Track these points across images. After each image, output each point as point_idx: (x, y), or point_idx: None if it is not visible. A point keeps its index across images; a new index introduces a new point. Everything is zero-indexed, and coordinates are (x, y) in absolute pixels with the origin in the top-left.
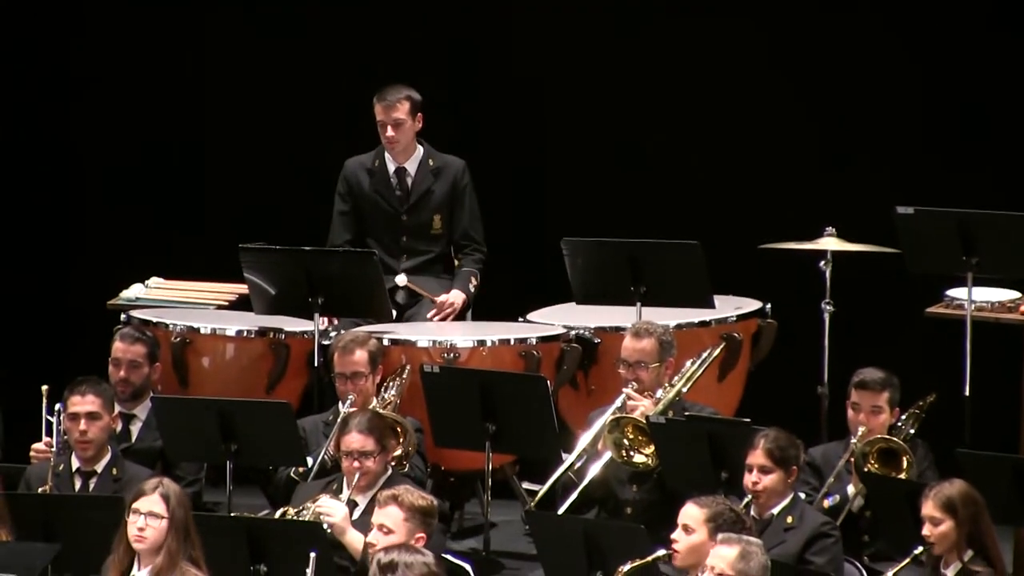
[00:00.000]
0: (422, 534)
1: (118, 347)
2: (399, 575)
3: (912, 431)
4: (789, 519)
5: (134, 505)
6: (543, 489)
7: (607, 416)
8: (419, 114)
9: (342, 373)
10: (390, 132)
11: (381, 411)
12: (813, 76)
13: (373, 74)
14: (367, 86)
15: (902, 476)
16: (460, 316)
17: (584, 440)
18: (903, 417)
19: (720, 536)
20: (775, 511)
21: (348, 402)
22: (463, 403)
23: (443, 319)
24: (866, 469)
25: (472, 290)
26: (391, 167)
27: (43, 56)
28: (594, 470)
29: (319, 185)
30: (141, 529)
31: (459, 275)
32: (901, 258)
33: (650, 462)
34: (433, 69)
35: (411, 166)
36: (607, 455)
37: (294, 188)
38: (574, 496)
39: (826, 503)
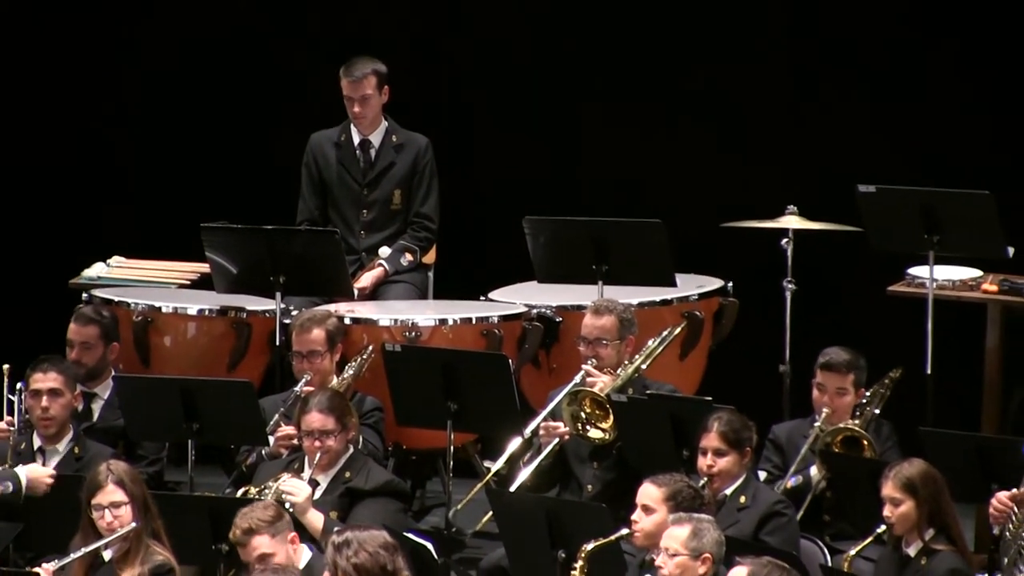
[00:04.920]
0: (291, 533)
1: (71, 328)
2: (353, 550)
3: (877, 411)
4: (742, 499)
5: (94, 501)
6: (497, 464)
7: (565, 390)
8: (385, 87)
9: (299, 352)
10: (357, 108)
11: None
12: (775, 53)
13: (332, 47)
14: (326, 59)
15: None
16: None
17: (541, 415)
18: (868, 394)
19: (671, 517)
20: (728, 492)
21: (303, 381)
22: (425, 382)
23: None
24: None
25: (405, 264)
26: (356, 139)
27: None
28: (545, 453)
29: (282, 162)
30: (110, 522)
31: (394, 248)
32: (863, 236)
33: (607, 436)
34: (392, 45)
35: (375, 139)
36: (555, 441)
37: (256, 166)
38: (526, 473)
39: (789, 484)
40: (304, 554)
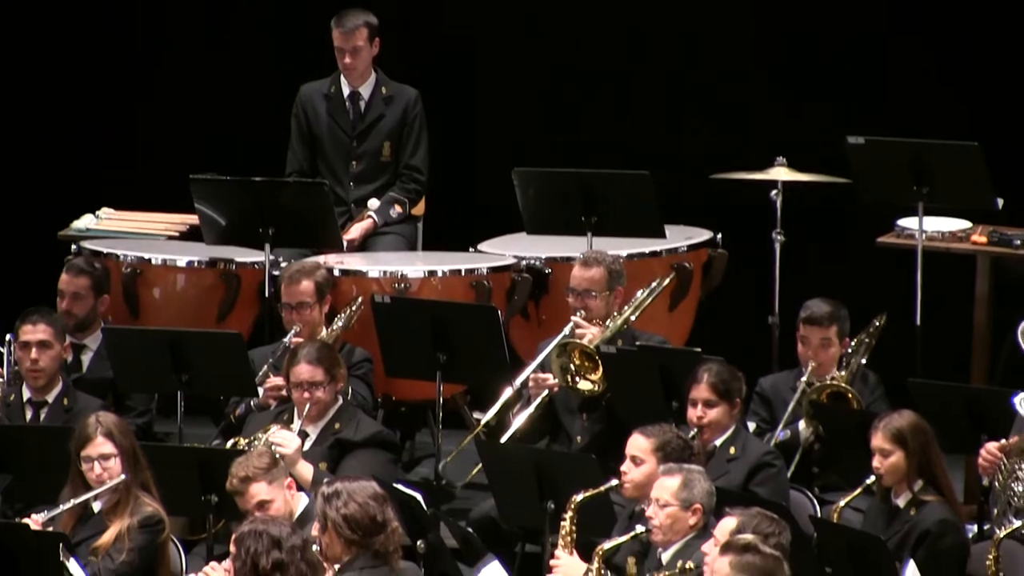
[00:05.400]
0: (287, 479)
1: (62, 279)
2: (343, 501)
3: (863, 361)
4: (732, 450)
5: (83, 453)
6: (486, 416)
7: (554, 342)
8: (376, 39)
9: (288, 303)
10: (348, 60)
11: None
12: (765, 3)
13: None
14: (314, 10)
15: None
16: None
17: (531, 367)
18: (853, 344)
19: (662, 468)
20: (718, 443)
21: (292, 332)
22: (414, 333)
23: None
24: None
25: (394, 216)
26: (346, 91)
27: None
28: (534, 405)
29: (271, 113)
30: (99, 474)
31: (383, 200)
32: (852, 188)
33: (596, 388)
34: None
35: (365, 91)
36: (544, 393)
37: (245, 117)
38: (516, 425)
39: (778, 438)
40: (301, 501)
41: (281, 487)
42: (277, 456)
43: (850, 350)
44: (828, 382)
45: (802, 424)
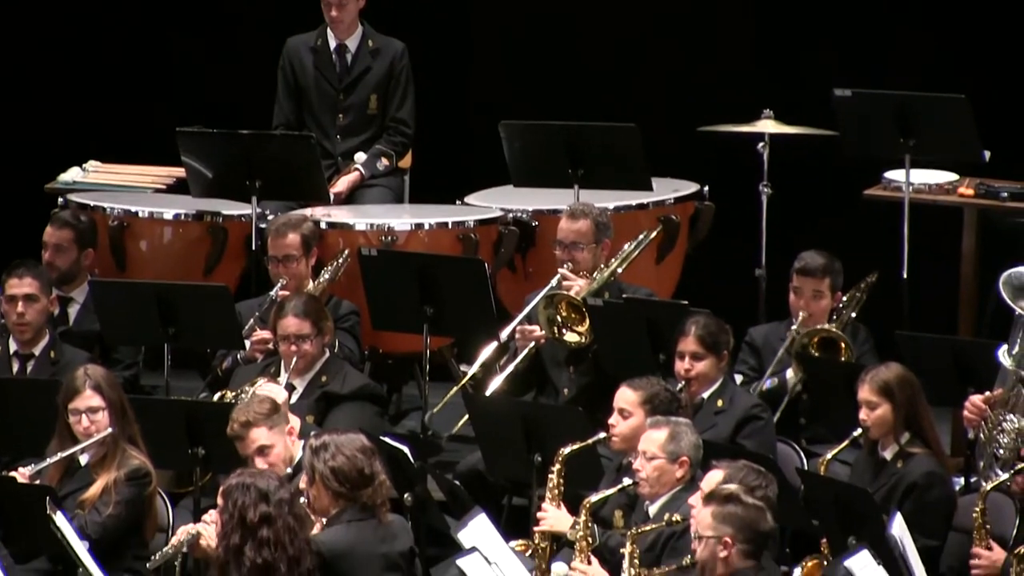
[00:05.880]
0: (288, 425)
1: (46, 231)
2: (330, 453)
3: (854, 315)
4: (719, 403)
5: (70, 406)
6: (473, 368)
7: (541, 294)
8: None
9: (274, 256)
10: (334, 12)
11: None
12: None
13: None
14: None
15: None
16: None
17: (517, 319)
18: (844, 300)
19: (649, 420)
20: (705, 395)
21: (279, 285)
22: (401, 286)
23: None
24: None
25: (381, 168)
26: (332, 44)
27: None
28: (521, 357)
29: (257, 66)
30: (87, 427)
31: (370, 153)
32: (839, 141)
33: (583, 340)
34: None
35: (352, 44)
36: (531, 345)
37: (232, 70)
38: (502, 377)
39: (765, 386)
40: (300, 448)
41: (282, 433)
42: (279, 402)
43: (841, 305)
44: (819, 327)
45: (790, 372)
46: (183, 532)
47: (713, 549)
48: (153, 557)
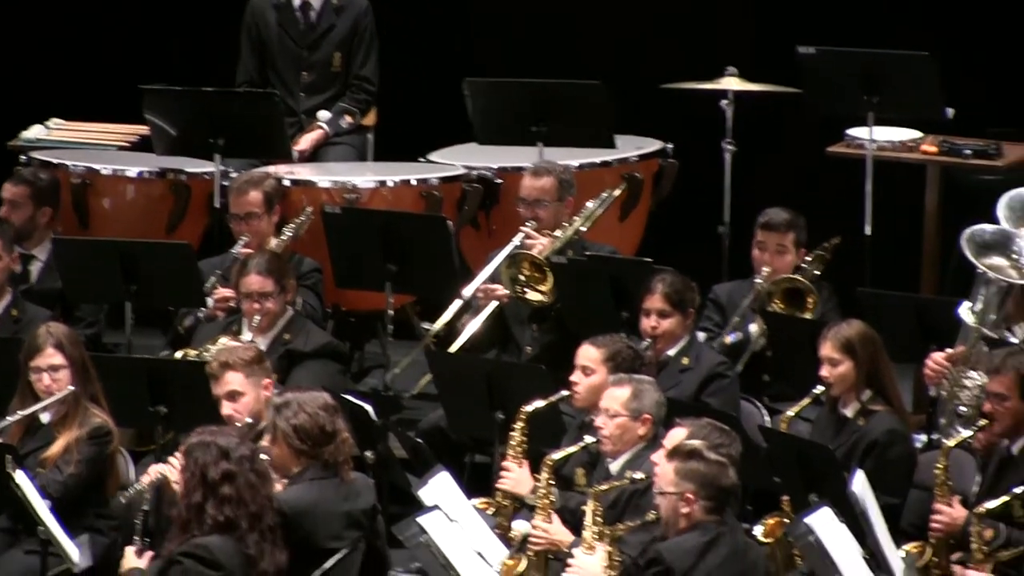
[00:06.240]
0: (266, 380)
1: (4, 186)
2: (293, 411)
3: (817, 273)
4: (685, 360)
5: (32, 364)
6: (436, 326)
7: (504, 252)
8: None
9: (236, 214)
10: None
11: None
12: None
13: None
14: None
15: (806, 316)
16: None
17: (480, 277)
18: (808, 258)
19: (611, 378)
20: (671, 353)
21: (242, 243)
22: (364, 244)
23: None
24: (770, 309)
25: (345, 126)
26: (297, 1)
27: None
28: (484, 315)
29: (222, 23)
30: (48, 385)
31: (333, 110)
32: (802, 98)
33: (546, 298)
34: None
35: (316, 1)
36: (494, 303)
37: (196, 27)
38: (465, 335)
39: (728, 340)
40: None
41: (257, 385)
42: (263, 356)
43: (805, 263)
44: (785, 276)
45: (754, 327)
46: (154, 471)
47: (675, 505)
48: (125, 492)
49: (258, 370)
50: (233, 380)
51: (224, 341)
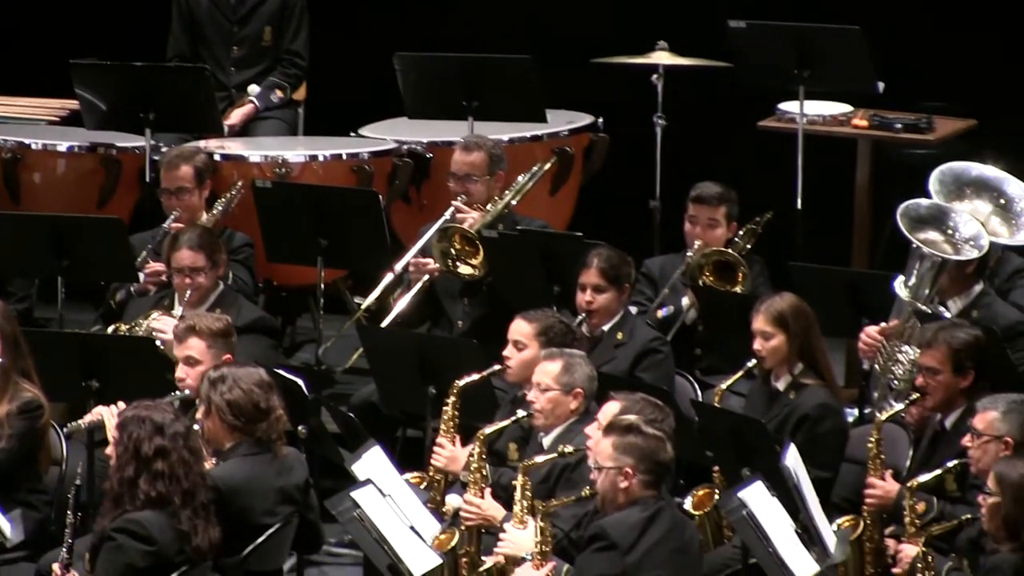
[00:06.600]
0: (227, 355)
1: None
2: (227, 386)
3: (749, 247)
4: (619, 335)
5: None
6: (368, 300)
7: (435, 226)
8: None
9: (167, 188)
10: None
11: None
12: None
13: None
14: None
15: (737, 290)
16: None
17: (412, 251)
18: (740, 232)
19: (543, 352)
20: (606, 328)
21: (172, 217)
22: (295, 218)
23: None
24: (701, 282)
25: (275, 100)
26: None
27: None
28: (415, 289)
29: None
30: None
31: (263, 84)
32: (733, 72)
33: (477, 273)
34: None
35: None
36: (425, 277)
37: (127, 1)
38: (397, 309)
39: (659, 314)
40: None
41: (216, 358)
42: (232, 331)
43: (737, 237)
44: (715, 248)
45: (686, 300)
46: (96, 413)
47: (614, 479)
48: (71, 424)
49: (221, 343)
50: (194, 346)
51: (156, 315)
